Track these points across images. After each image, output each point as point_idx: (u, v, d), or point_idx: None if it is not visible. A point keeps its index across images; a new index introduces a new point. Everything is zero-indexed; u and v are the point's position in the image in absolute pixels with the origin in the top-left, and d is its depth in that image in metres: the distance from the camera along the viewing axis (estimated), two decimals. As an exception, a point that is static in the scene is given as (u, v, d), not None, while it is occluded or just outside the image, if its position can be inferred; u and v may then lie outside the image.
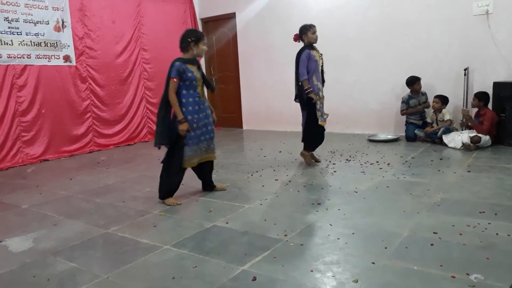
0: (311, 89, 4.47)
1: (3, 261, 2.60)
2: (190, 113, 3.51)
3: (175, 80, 3.43)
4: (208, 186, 3.90)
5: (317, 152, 5.06)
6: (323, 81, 4.73)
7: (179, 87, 3.48)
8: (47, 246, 2.81)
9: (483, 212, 2.97)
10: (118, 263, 2.48)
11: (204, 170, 3.81)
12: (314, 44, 4.62)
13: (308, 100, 4.53)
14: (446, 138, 5.44)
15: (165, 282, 2.22)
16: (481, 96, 5.35)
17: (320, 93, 4.62)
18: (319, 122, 4.61)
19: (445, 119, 5.64)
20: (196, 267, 2.37)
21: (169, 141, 3.56)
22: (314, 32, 4.54)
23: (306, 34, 4.53)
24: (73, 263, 2.51)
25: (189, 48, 3.52)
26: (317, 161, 4.87)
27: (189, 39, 3.51)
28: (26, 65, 5.79)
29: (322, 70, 4.69)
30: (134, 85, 7.26)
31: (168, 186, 3.64)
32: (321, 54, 4.68)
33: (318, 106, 4.59)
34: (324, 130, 4.78)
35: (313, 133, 4.70)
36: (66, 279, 2.31)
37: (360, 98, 6.79)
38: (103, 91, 6.79)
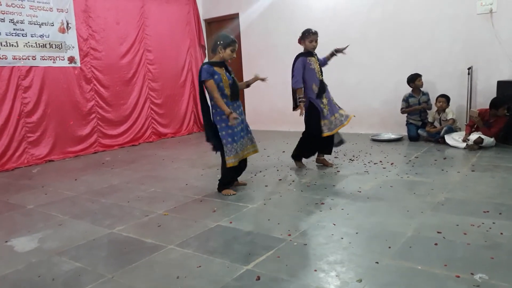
0: (303, 99, 4.32)
1: (9, 261, 2.63)
2: (218, 114, 3.63)
3: (209, 81, 3.51)
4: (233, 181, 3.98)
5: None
6: (324, 86, 4.49)
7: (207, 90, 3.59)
8: (53, 246, 2.83)
9: (488, 211, 2.96)
10: (122, 262, 2.50)
11: (240, 167, 3.90)
12: (313, 50, 4.44)
13: (308, 109, 4.40)
14: (449, 138, 5.42)
15: (169, 281, 2.23)
16: (497, 104, 5.08)
17: (324, 100, 4.44)
18: (324, 134, 4.39)
19: (448, 118, 5.62)
20: (200, 266, 2.38)
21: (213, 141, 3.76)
22: (312, 41, 4.35)
23: (304, 40, 4.40)
24: (78, 263, 2.53)
25: (217, 50, 3.59)
26: (327, 165, 4.70)
27: (218, 42, 3.58)
28: (31, 67, 5.83)
29: (321, 76, 4.48)
30: (138, 86, 7.30)
31: (225, 179, 3.84)
32: (319, 62, 4.49)
33: (325, 114, 4.40)
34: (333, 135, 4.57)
35: (311, 143, 4.57)
36: (71, 279, 2.33)
37: (364, 98, 6.78)
38: (108, 92, 6.83)
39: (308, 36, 4.37)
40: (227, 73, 3.65)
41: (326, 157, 4.83)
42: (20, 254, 2.75)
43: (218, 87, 3.56)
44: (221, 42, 3.56)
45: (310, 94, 4.41)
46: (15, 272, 2.46)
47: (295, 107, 4.44)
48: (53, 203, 3.89)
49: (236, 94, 3.72)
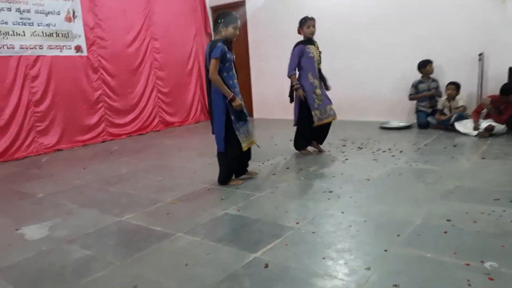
0: (298, 85, 4.33)
1: (19, 249, 2.66)
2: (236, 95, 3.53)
3: (218, 59, 3.37)
4: (242, 171, 3.90)
5: (329, 141, 5.02)
6: (323, 78, 4.56)
7: (220, 69, 3.44)
8: (62, 234, 2.86)
9: (498, 199, 2.92)
10: (131, 250, 2.51)
11: (245, 155, 3.81)
12: (314, 39, 4.44)
13: (305, 98, 4.40)
14: (459, 125, 5.35)
15: (178, 269, 2.24)
16: (509, 90, 5.03)
17: (317, 91, 4.44)
18: (315, 123, 4.45)
19: (458, 106, 5.54)
20: (208, 254, 2.39)
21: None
22: (309, 26, 4.31)
23: (301, 28, 4.37)
24: (88, 251, 2.55)
25: (219, 29, 3.49)
26: (320, 151, 4.75)
27: (220, 20, 3.48)
28: (38, 56, 5.84)
29: (319, 67, 4.50)
30: (145, 75, 7.28)
31: (229, 171, 3.73)
32: (320, 51, 4.50)
33: (315, 105, 4.43)
34: (329, 125, 4.67)
35: (302, 133, 4.59)
36: (81, 266, 2.35)
37: (372, 85, 6.70)
38: (115, 81, 6.83)
39: (305, 22, 4.34)
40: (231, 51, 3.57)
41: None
42: (31, 242, 2.78)
43: (230, 66, 3.48)
44: (223, 20, 3.46)
45: (304, 82, 4.38)
46: (25, 260, 2.49)
47: (291, 100, 4.50)
48: (62, 192, 3.93)
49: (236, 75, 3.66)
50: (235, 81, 3.57)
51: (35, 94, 5.85)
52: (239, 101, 3.48)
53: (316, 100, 4.44)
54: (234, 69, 3.57)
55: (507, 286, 1.86)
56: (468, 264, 2.04)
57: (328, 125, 4.67)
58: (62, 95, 6.13)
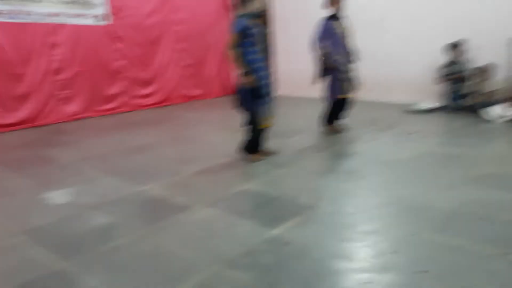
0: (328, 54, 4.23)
1: (44, 214, 2.70)
2: (256, 71, 3.40)
3: (237, 34, 3.31)
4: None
5: (356, 120, 4.89)
6: (349, 54, 4.40)
7: (243, 44, 3.35)
8: (85, 200, 2.89)
9: (533, 188, 2.78)
10: (152, 220, 2.51)
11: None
12: (343, 15, 4.30)
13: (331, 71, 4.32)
14: (490, 110, 5.11)
15: (197, 241, 2.23)
16: None
17: (346, 67, 4.34)
18: (343, 95, 4.37)
19: (491, 90, 5.28)
20: (228, 228, 2.36)
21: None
22: (338, 2, 4.18)
23: (330, 2, 4.22)
24: (109, 218, 2.56)
25: (245, 3, 3.39)
26: (339, 131, 4.63)
27: None
28: (59, 24, 5.79)
29: (346, 42, 4.36)
30: (167, 46, 7.19)
31: (253, 144, 3.64)
32: (347, 27, 4.35)
33: (345, 77, 4.34)
34: (349, 102, 4.56)
35: (333, 107, 4.49)
36: (102, 233, 2.37)
37: (401, 65, 6.45)
38: (136, 51, 6.76)
39: None
40: (260, 27, 3.46)
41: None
42: (54, 207, 2.82)
43: (254, 41, 3.37)
44: None
45: (332, 57, 4.25)
46: (50, 224, 2.53)
47: (322, 74, 4.37)
48: (85, 159, 3.96)
49: (266, 50, 3.53)
50: (257, 56, 3.42)
51: (57, 62, 5.85)
52: (250, 79, 3.34)
53: (344, 73, 4.34)
54: (262, 44, 3.43)
55: (542, 279, 1.76)
56: (496, 254, 1.95)
57: (348, 102, 4.54)
58: (83, 64, 6.11)
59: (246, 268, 1.96)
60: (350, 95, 4.46)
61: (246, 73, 3.34)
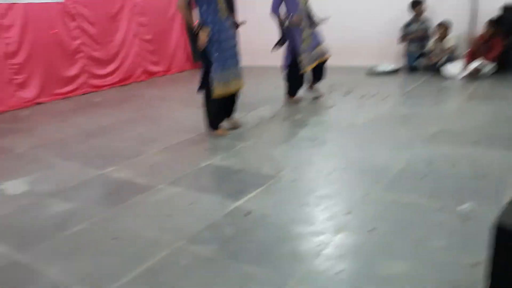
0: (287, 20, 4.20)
1: (0, 204, 2.63)
2: (212, 32, 3.30)
3: None
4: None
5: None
6: (312, 23, 4.39)
7: (199, 5, 3.27)
8: (43, 188, 2.83)
9: (479, 141, 2.92)
10: (113, 203, 2.50)
11: (230, 101, 3.68)
12: None
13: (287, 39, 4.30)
14: (448, 67, 5.25)
15: (160, 219, 2.25)
16: (496, 24, 4.95)
17: (304, 33, 4.29)
18: (304, 69, 4.32)
19: (448, 46, 5.40)
20: (191, 204, 2.39)
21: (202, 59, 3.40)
22: None
23: None
24: (69, 204, 2.53)
25: None
26: (316, 96, 4.70)
27: None
28: (11, 3, 5.46)
29: (308, 11, 4.35)
30: (125, 21, 6.92)
31: (211, 117, 3.59)
32: None
33: (304, 48, 4.29)
34: (322, 64, 4.57)
35: (295, 77, 4.49)
36: (62, 220, 2.34)
37: (361, 28, 6.48)
38: (94, 29, 6.49)
39: None
40: None
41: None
42: (11, 197, 2.75)
43: (212, 1, 3.27)
44: None
45: (289, 24, 4.23)
46: (7, 215, 2.47)
47: (280, 43, 4.37)
48: (43, 146, 3.85)
49: (230, 9, 3.41)
50: (217, 17, 3.30)
51: (10, 45, 5.55)
52: (205, 32, 3.25)
53: (302, 44, 4.29)
54: (222, 5, 3.33)
55: (481, 227, 1.89)
56: (443, 207, 2.07)
57: (321, 65, 4.54)
58: (39, 45, 5.82)
59: (208, 241, 2.00)
60: (313, 65, 4.41)
61: (196, 33, 3.25)
